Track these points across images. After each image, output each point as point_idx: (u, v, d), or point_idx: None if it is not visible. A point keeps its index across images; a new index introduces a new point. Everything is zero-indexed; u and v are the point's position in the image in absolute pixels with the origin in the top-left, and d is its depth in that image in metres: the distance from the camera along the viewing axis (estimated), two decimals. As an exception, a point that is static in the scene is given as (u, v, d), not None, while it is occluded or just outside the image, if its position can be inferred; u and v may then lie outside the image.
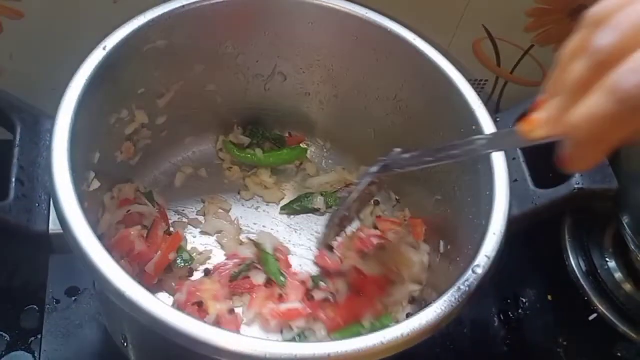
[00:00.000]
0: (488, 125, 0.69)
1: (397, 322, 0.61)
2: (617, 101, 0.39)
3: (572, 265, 0.90)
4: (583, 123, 0.42)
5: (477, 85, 1.00)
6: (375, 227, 0.88)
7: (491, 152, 0.65)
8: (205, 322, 0.54)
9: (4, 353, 0.79)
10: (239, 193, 0.91)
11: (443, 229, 0.79)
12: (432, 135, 0.78)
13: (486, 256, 0.61)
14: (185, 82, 0.81)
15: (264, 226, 0.88)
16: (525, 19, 0.92)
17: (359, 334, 0.56)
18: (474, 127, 0.70)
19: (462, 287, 0.59)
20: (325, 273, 0.84)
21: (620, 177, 0.71)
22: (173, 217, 0.86)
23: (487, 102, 0.72)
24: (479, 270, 0.60)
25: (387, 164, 0.69)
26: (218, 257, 0.84)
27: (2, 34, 0.82)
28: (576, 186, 0.69)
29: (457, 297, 0.58)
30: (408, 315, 0.72)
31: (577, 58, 0.44)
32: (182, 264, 0.80)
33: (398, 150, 0.68)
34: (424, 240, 0.83)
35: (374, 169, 0.71)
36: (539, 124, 0.47)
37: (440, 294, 0.59)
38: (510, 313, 0.90)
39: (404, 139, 0.83)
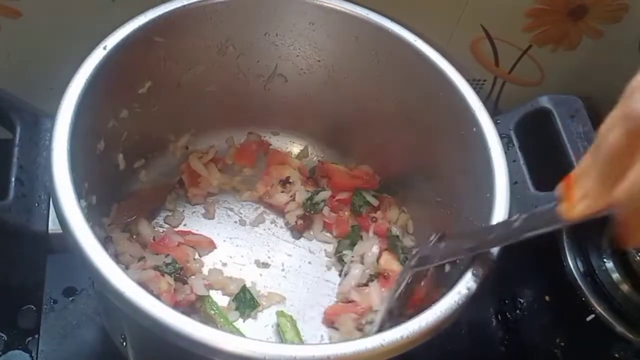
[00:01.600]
0: (488, 128, 0.70)
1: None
2: None
3: (569, 265, 0.90)
4: (625, 197, 0.40)
5: (475, 85, 1.00)
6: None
7: (529, 236, 0.57)
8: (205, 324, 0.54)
9: (1, 352, 0.79)
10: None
11: (443, 230, 0.79)
12: (432, 136, 0.78)
13: (485, 258, 0.61)
14: (186, 83, 0.81)
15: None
16: (524, 19, 0.92)
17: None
18: (474, 129, 0.70)
19: (462, 289, 0.59)
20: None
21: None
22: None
23: (485, 102, 0.72)
24: (479, 273, 0.60)
25: (425, 255, 0.68)
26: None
27: (0, 33, 0.81)
28: (576, 189, 0.69)
29: (457, 299, 0.58)
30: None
31: (614, 127, 0.42)
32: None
33: (431, 238, 0.67)
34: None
35: (413, 262, 0.69)
36: (578, 200, 0.46)
37: (440, 296, 0.60)
38: (507, 314, 0.90)
39: (404, 140, 0.83)
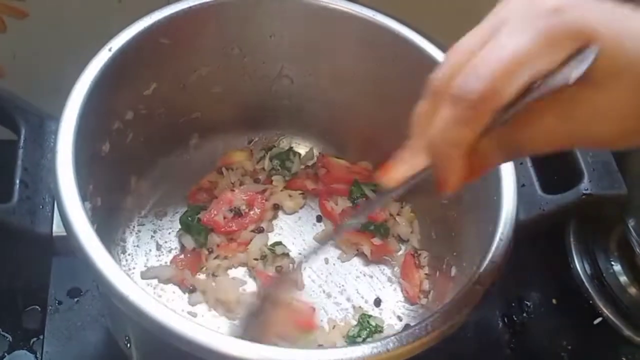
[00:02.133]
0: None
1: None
2: (457, 104, 0.43)
3: (577, 268, 0.89)
4: (437, 135, 0.45)
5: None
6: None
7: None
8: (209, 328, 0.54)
9: (6, 353, 0.79)
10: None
11: (449, 233, 0.79)
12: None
13: (493, 262, 0.61)
14: (191, 84, 0.81)
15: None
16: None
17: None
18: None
19: (469, 293, 0.59)
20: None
21: (627, 179, 0.71)
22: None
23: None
24: (486, 276, 0.60)
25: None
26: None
27: (6, 34, 0.81)
28: (584, 192, 0.68)
29: (464, 303, 0.58)
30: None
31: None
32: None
33: None
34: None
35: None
36: (393, 167, 0.52)
37: (446, 299, 0.59)
38: (514, 316, 0.90)
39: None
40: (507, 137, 0.47)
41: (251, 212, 0.86)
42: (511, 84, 0.42)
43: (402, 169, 0.51)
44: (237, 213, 0.85)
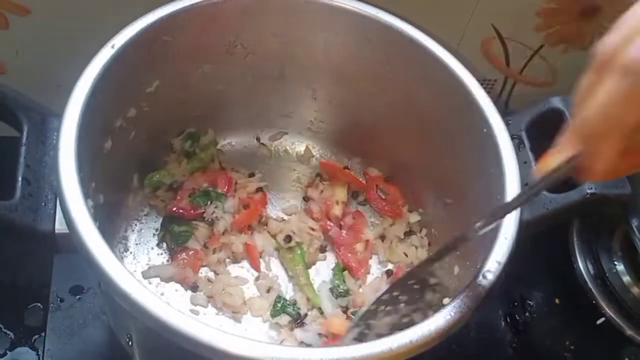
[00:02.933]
0: (499, 128, 0.69)
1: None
2: (628, 75, 0.37)
3: (580, 268, 0.89)
4: (596, 112, 0.39)
5: (486, 85, 0.99)
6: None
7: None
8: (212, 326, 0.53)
9: (7, 350, 0.79)
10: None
11: (452, 232, 0.78)
12: (442, 137, 0.78)
13: (497, 261, 0.61)
14: (194, 82, 0.81)
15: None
16: (535, 18, 0.91)
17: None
18: (485, 130, 0.69)
19: (471, 292, 0.58)
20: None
21: (631, 179, 0.70)
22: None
23: (496, 102, 0.71)
24: (490, 276, 0.60)
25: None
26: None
27: (8, 30, 0.81)
28: (588, 191, 0.68)
29: (466, 302, 0.58)
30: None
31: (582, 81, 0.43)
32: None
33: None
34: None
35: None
36: (552, 153, 0.46)
37: (449, 299, 0.59)
38: (517, 316, 0.90)
39: (413, 141, 0.83)
40: None
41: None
42: None
43: (552, 159, 0.45)
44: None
